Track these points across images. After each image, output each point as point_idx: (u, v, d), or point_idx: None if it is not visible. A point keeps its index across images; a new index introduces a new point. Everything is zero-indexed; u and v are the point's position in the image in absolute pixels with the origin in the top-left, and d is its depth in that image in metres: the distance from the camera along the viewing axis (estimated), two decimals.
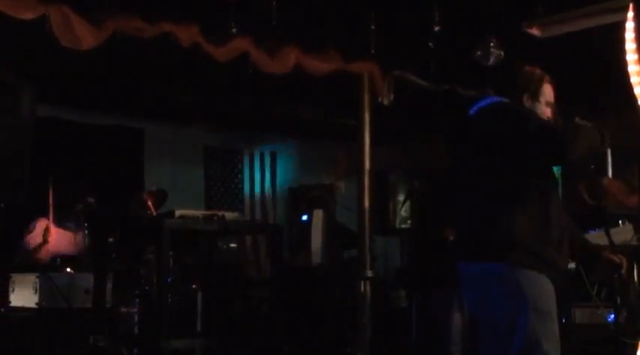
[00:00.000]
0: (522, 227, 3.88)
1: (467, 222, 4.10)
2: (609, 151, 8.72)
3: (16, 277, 6.92)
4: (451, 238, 6.32)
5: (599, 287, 5.89)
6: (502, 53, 7.54)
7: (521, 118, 4.00)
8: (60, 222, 7.56)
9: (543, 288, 3.86)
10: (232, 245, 10.26)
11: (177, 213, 7.34)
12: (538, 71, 4.31)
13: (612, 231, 5.67)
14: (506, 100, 4.18)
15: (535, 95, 4.25)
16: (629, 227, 6.44)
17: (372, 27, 7.35)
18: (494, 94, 4.26)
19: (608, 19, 6.40)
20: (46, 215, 7.57)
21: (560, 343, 3.89)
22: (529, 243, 3.86)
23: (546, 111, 4.32)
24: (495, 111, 4.11)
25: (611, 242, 4.95)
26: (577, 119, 4.15)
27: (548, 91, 4.31)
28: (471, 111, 4.20)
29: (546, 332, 3.81)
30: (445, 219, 6.47)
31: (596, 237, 5.23)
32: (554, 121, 4.19)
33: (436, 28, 7.14)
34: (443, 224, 6.53)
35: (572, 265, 6.43)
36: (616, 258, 4.57)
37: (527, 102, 4.23)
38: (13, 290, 6.90)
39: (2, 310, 6.89)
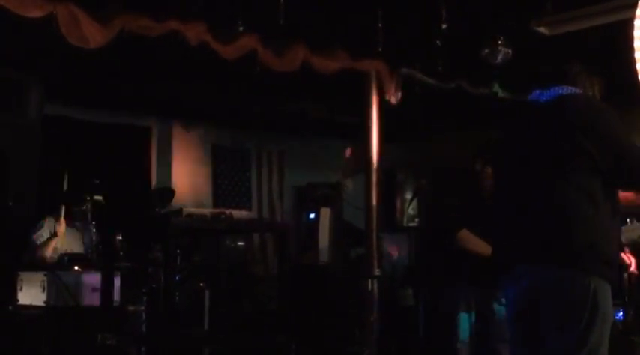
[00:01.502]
0: (599, 232, 3.71)
1: (530, 222, 3.83)
2: None
3: (24, 275, 6.93)
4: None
5: None
6: (510, 51, 7.53)
7: (622, 141, 3.79)
8: (68, 221, 7.57)
9: (610, 299, 3.76)
10: (240, 243, 10.29)
11: (185, 211, 7.36)
12: (598, 74, 4.22)
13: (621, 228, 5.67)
14: (582, 92, 4.01)
15: (595, 97, 4.16)
16: (637, 225, 6.42)
17: (380, 25, 7.34)
18: (557, 82, 4.11)
19: (617, 16, 6.39)
20: (54, 213, 7.59)
21: None
22: (605, 250, 3.71)
23: None
24: (591, 110, 3.90)
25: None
26: None
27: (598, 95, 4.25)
28: (542, 98, 4.01)
29: (605, 341, 3.75)
30: (457, 219, 6.45)
31: None
32: None
33: (443, 26, 7.13)
34: (454, 223, 6.52)
35: None
36: (625, 258, 4.54)
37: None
38: (22, 288, 6.91)
39: (10, 308, 6.90)
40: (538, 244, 3.79)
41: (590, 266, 3.67)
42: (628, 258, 4.61)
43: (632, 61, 4.90)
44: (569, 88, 3.99)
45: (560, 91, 3.97)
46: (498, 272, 4.01)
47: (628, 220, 6.47)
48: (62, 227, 7.44)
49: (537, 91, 4.05)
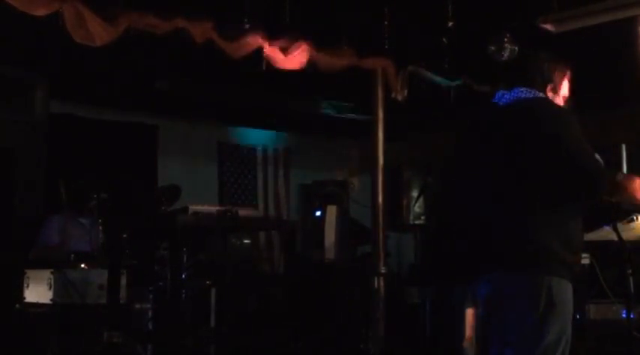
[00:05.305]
0: (555, 237, 3.84)
1: (494, 230, 3.98)
2: (624, 146, 8.70)
3: (30, 273, 6.93)
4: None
5: (614, 284, 5.88)
6: (516, 48, 7.52)
7: (573, 143, 3.82)
8: (74, 218, 7.58)
9: (569, 296, 3.87)
10: (246, 241, 10.29)
11: (191, 209, 7.35)
12: (563, 63, 4.25)
13: (627, 226, 5.66)
14: (543, 96, 4.06)
15: (556, 88, 4.19)
16: None
17: (386, 23, 7.34)
18: (519, 82, 4.13)
19: (623, 13, 6.37)
20: (60, 211, 7.59)
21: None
22: (558, 250, 3.83)
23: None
24: (550, 116, 3.94)
25: (620, 237, 4.96)
26: None
27: (566, 85, 4.28)
28: (500, 102, 4.07)
29: (567, 332, 3.85)
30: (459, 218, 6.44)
31: (609, 233, 5.22)
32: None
33: (450, 24, 7.12)
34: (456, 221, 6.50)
35: (586, 261, 6.42)
36: None
37: (549, 93, 4.17)
38: (28, 286, 6.91)
39: (17, 306, 6.91)
40: (499, 251, 3.96)
41: (545, 268, 3.82)
42: None
43: (638, 58, 4.90)
44: (530, 90, 4.04)
45: (520, 94, 4.03)
46: (469, 275, 4.23)
47: (634, 217, 6.47)
48: (69, 225, 7.44)
49: (500, 92, 4.12)
